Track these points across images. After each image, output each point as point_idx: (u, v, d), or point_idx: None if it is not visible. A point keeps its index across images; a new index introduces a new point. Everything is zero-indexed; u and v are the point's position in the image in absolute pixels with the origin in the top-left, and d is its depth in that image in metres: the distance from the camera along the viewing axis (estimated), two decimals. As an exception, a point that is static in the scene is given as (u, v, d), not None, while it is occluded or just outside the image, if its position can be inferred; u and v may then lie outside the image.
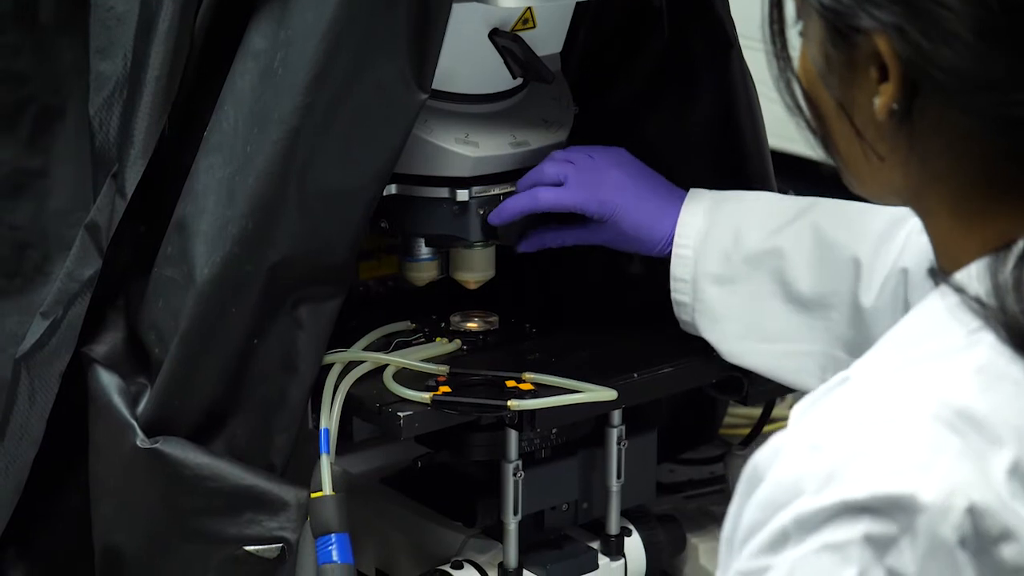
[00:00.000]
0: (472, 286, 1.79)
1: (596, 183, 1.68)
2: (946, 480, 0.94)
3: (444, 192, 1.70)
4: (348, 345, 1.69)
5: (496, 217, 1.70)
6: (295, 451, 1.60)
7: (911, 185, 1.08)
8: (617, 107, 1.88)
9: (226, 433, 1.59)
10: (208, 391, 1.58)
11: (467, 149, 1.67)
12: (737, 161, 1.82)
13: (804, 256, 1.62)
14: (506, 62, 1.67)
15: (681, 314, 1.69)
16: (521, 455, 1.69)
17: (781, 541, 0.97)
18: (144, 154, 1.63)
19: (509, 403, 1.58)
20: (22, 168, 1.80)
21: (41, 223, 1.81)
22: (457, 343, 1.74)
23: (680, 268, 1.67)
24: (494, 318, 1.80)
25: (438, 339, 1.75)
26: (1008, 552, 0.95)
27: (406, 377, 1.65)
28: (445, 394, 1.60)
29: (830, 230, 1.62)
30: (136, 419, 1.58)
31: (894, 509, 0.94)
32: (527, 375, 1.63)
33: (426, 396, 1.59)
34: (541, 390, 1.62)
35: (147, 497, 1.59)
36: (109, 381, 1.62)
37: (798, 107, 1.11)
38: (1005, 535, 0.95)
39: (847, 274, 1.59)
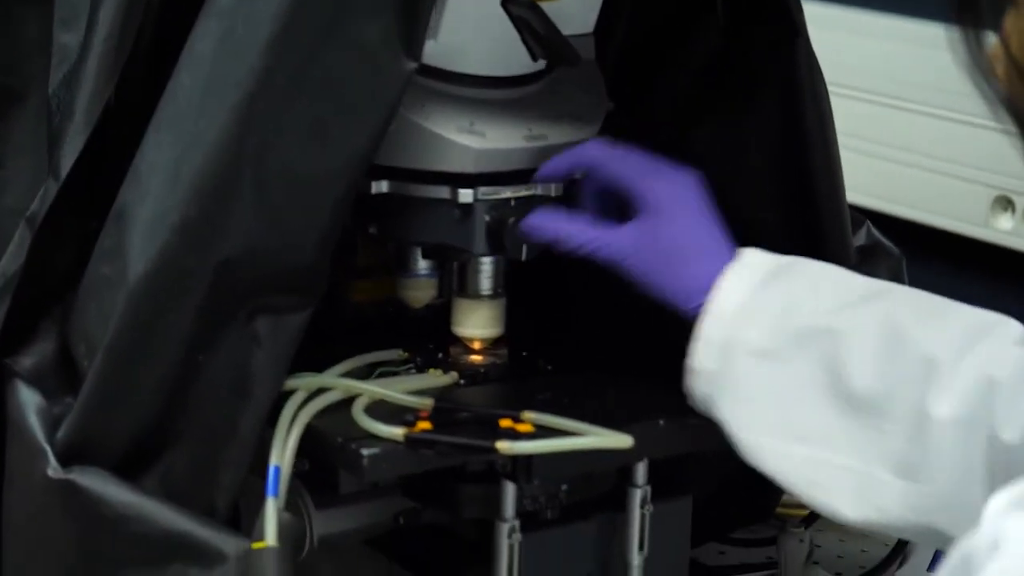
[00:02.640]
0: (477, 345, 1.51)
1: (656, 234, 1.40)
2: None
3: (445, 192, 1.42)
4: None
5: (528, 229, 1.43)
6: (245, 493, 1.34)
7: None
8: (659, 107, 1.61)
9: (161, 466, 1.34)
10: (139, 414, 1.33)
11: (471, 139, 1.40)
12: (803, 179, 1.55)
13: (867, 344, 1.33)
14: (522, 36, 1.40)
15: (698, 385, 1.39)
16: (522, 515, 1.41)
17: None
18: (85, 127, 1.39)
19: (497, 445, 1.29)
20: None
21: None
22: (453, 376, 1.46)
23: (712, 328, 1.37)
24: (502, 351, 1.52)
25: (431, 370, 1.47)
26: None
27: (382, 411, 1.37)
28: (423, 431, 1.32)
29: (903, 320, 1.33)
30: (51, 444, 1.33)
31: None
32: (526, 414, 1.34)
33: (399, 432, 1.31)
34: (542, 433, 1.33)
35: (57, 539, 1.34)
36: (28, 398, 1.37)
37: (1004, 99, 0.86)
38: None
39: (917, 375, 1.30)
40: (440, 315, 1.57)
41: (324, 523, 1.48)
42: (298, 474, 1.40)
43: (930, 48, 2.72)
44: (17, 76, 1.57)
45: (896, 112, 2.80)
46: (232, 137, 1.28)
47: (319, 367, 1.43)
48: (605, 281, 1.57)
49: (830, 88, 1.58)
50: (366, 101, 1.29)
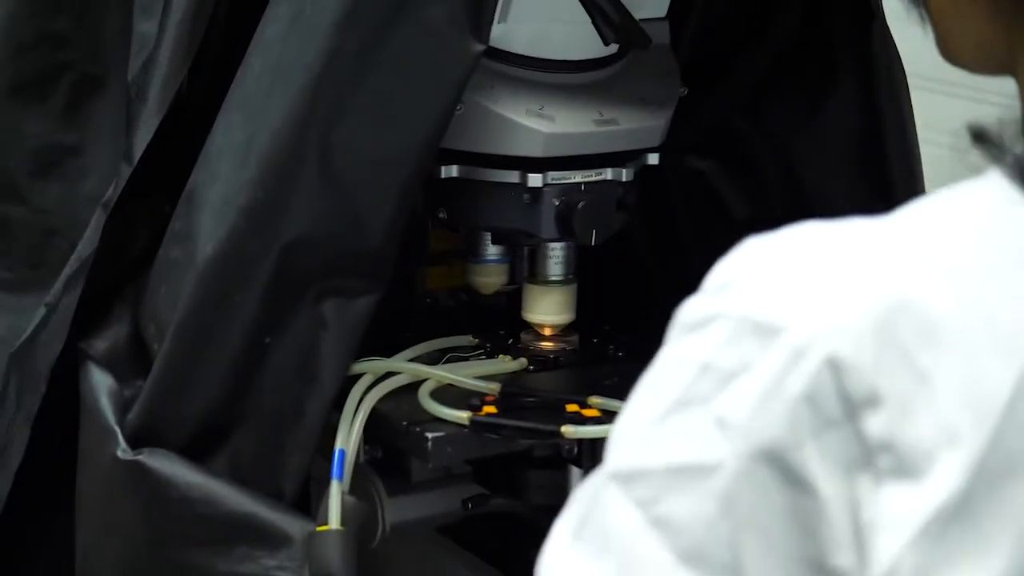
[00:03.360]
0: (548, 332, 1.50)
1: None
2: (819, 319, 0.72)
3: (514, 176, 1.41)
4: (393, 358, 1.43)
5: None
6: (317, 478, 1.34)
7: (1001, 32, 0.81)
8: (735, 94, 1.58)
9: (228, 449, 1.34)
10: (207, 396, 1.33)
11: (540, 123, 1.39)
12: (879, 173, 1.52)
13: None
14: (593, 20, 1.38)
15: None
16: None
17: (669, 337, 0.78)
18: (158, 110, 1.39)
19: (563, 429, 1.28)
20: (54, 144, 1.59)
21: (71, 207, 1.59)
22: (522, 362, 1.45)
23: None
24: (573, 337, 1.50)
25: (500, 356, 1.46)
26: (874, 423, 0.71)
27: (449, 396, 1.36)
28: (488, 415, 1.30)
29: None
30: (120, 426, 1.33)
31: (753, 337, 0.73)
32: (593, 399, 1.33)
33: (464, 415, 1.30)
34: (608, 418, 1.31)
35: (127, 520, 1.35)
36: (100, 381, 1.38)
37: None
38: (871, 400, 0.71)
39: None
40: (512, 301, 1.56)
41: (396, 510, 1.47)
42: (371, 461, 1.40)
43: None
44: (100, 64, 1.58)
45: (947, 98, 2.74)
46: (299, 118, 1.28)
47: (390, 354, 1.43)
48: (678, 266, 1.56)
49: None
50: (432, 82, 1.28)
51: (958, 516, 0.70)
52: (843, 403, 0.71)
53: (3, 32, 1.59)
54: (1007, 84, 0.89)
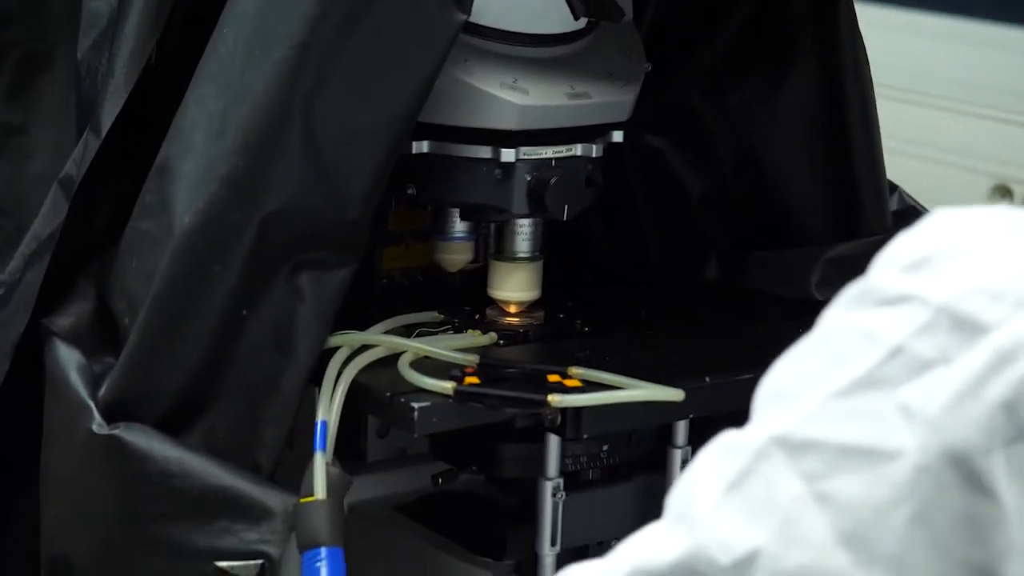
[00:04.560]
0: (514, 309, 1.50)
1: None
2: None
3: (486, 152, 1.41)
4: (362, 334, 1.41)
5: None
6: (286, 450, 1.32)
7: None
8: (695, 72, 1.59)
9: (203, 422, 1.33)
10: (183, 370, 1.31)
11: (514, 96, 1.39)
12: (841, 150, 1.53)
13: None
14: (566, -5, 1.39)
15: None
16: (563, 475, 1.39)
17: (849, 301, 0.76)
18: (126, 85, 1.37)
19: (549, 398, 1.28)
20: None
21: (18, 188, 1.57)
22: (492, 336, 1.45)
23: None
24: (539, 313, 1.51)
25: (469, 331, 1.46)
26: None
27: (427, 367, 1.35)
28: (472, 385, 1.30)
29: None
30: (95, 401, 1.31)
31: (953, 330, 0.71)
32: (574, 369, 1.33)
33: (448, 386, 1.30)
34: (590, 388, 1.32)
35: (102, 496, 1.32)
36: (67, 356, 1.35)
37: None
38: None
39: None
40: (472, 279, 1.56)
41: (353, 491, 1.46)
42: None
43: (927, 39, 2.73)
44: (44, 42, 1.56)
45: (893, 103, 2.80)
46: (280, 89, 1.27)
47: (348, 326, 1.41)
48: (634, 242, 1.56)
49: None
50: (415, 52, 1.28)
51: None
52: None
53: (-57, 11, 1.56)
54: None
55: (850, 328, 0.74)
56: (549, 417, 1.33)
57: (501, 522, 1.48)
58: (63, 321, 1.38)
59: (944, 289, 0.72)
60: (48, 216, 1.42)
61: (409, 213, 1.57)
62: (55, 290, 1.40)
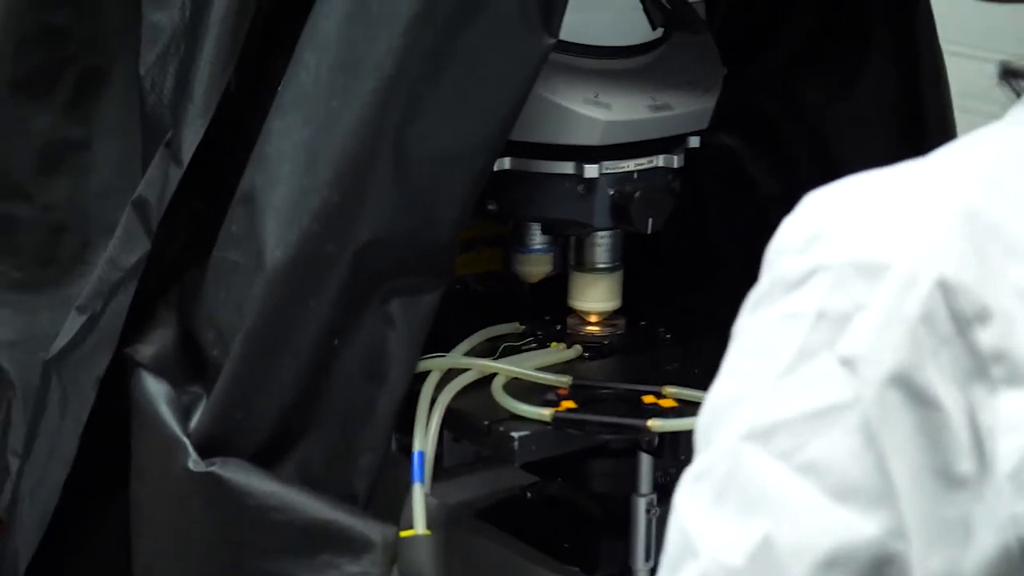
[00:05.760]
0: (595, 319, 1.49)
1: None
2: (920, 248, 0.75)
3: (569, 167, 1.40)
4: (445, 351, 1.41)
5: None
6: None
7: None
8: (769, 72, 1.57)
9: (297, 454, 1.32)
10: (278, 402, 1.30)
11: (597, 112, 1.38)
12: (918, 151, 1.52)
13: None
14: (645, 6, 1.37)
15: None
16: (655, 488, 1.39)
17: (758, 302, 0.79)
18: (205, 112, 1.35)
19: (649, 423, 1.28)
20: (60, 139, 1.55)
21: (81, 203, 1.56)
22: (577, 349, 1.44)
23: None
24: (620, 321, 1.50)
25: (553, 344, 1.45)
26: (985, 336, 0.75)
27: (518, 389, 1.35)
28: (569, 410, 1.30)
29: None
30: (188, 436, 1.30)
31: (859, 277, 0.76)
32: (668, 389, 1.33)
33: (546, 413, 1.29)
34: (686, 408, 1.31)
35: (200, 532, 1.31)
36: (156, 389, 1.34)
37: None
38: (980, 316, 0.75)
39: None
40: (547, 287, 1.55)
41: (433, 495, 1.46)
42: (401, 448, 1.39)
43: None
44: (104, 56, 1.54)
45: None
46: (371, 120, 1.25)
47: (436, 343, 1.41)
48: (705, 243, 1.55)
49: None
50: (505, 76, 1.27)
51: None
52: (954, 321, 0.73)
53: (3, 27, 1.54)
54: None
55: (769, 322, 0.77)
56: (646, 440, 1.33)
57: (594, 533, 1.48)
58: (146, 350, 1.37)
59: (840, 249, 0.76)
60: (125, 241, 1.40)
61: (477, 221, 1.56)
62: (135, 317, 1.39)
